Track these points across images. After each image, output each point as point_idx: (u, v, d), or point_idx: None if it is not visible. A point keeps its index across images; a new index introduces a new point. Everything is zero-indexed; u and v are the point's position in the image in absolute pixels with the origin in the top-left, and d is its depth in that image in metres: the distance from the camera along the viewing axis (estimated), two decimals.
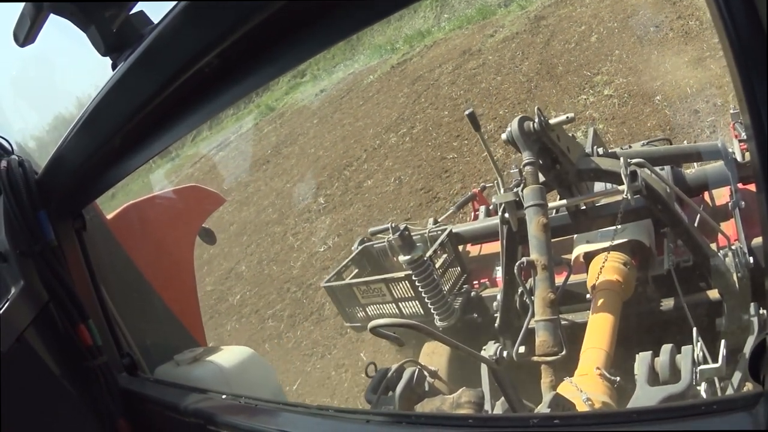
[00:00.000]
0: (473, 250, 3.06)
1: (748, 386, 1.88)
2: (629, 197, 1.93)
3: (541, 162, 2.04)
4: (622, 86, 5.35)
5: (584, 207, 2.25)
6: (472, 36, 10.24)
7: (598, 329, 2.02)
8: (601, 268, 2.16)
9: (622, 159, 1.97)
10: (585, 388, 1.72)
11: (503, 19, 10.08)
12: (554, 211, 2.38)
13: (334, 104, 11.61)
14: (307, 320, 4.75)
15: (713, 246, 2.19)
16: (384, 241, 2.97)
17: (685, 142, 3.82)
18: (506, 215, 2.18)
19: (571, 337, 1.95)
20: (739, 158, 2.41)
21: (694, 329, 1.85)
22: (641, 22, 6.65)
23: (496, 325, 2.40)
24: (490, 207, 3.25)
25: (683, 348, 1.80)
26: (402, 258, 2.51)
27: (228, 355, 1.64)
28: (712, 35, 5.14)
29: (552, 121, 1.98)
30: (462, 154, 5.87)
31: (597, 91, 5.45)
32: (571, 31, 7.61)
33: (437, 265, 2.71)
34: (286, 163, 9.79)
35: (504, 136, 2.03)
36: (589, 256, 2.33)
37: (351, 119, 9.84)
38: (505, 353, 2.04)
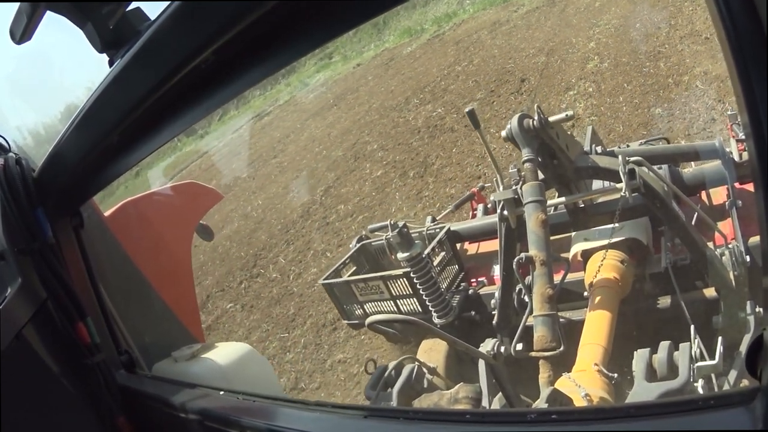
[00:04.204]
0: (471, 248, 3.06)
1: (745, 382, 1.89)
2: (627, 195, 1.93)
3: (540, 159, 2.04)
4: (617, 24, 8.50)
5: (582, 204, 2.25)
6: (498, 13, 12.50)
7: (596, 326, 2.03)
8: (598, 266, 2.16)
9: (620, 157, 1.97)
10: (583, 383, 1.73)
11: (522, 0, 12.52)
12: (553, 208, 2.38)
13: (381, 68, 13.01)
14: (443, 135, 7.40)
15: (710, 244, 2.19)
16: (382, 239, 2.97)
17: (683, 141, 3.86)
18: (505, 212, 2.18)
19: (569, 335, 1.96)
20: (736, 158, 2.41)
21: (692, 326, 1.86)
22: None
23: (494, 322, 2.40)
24: (488, 205, 3.25)
25: (681, 345, 1.81)
26: (400, 255, 2.51)
27: (225, 352, 1.64)
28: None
29: (551, 118, 1.98)
30: (517, 65, 8.67)
31: (600, 28, 8.66)
32: (579, 2, 10.73)
33: (435, 263, 2.71)
34: (358, 101, 11.26)
35: (504, 133, 2.03)
36: (587, 254, 2.33)
37: (408, 70, 11.68)
38: (502, 348, 2.05)
